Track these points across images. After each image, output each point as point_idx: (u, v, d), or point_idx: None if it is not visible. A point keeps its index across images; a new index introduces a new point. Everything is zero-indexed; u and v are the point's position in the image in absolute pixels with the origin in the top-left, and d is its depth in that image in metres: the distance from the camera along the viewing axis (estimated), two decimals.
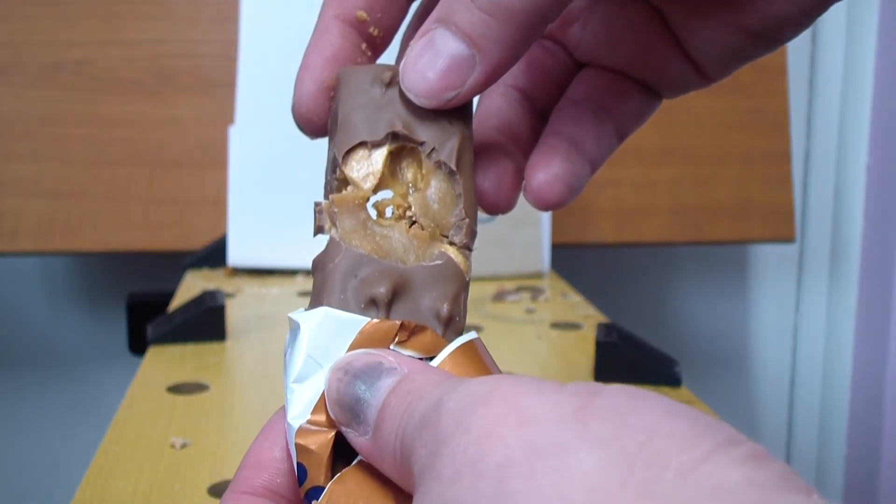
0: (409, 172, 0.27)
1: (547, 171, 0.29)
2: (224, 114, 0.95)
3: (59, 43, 0.96)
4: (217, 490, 0.45)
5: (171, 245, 0.95)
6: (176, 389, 0.58)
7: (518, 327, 0.72)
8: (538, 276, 0.88)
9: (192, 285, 0.83)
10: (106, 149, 0.95)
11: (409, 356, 0.24)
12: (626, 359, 0.59)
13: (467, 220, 0.27)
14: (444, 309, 0.25)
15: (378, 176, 0.27)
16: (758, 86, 1.05)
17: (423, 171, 0.27)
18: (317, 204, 0.27)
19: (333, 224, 0.26)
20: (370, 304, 0.25)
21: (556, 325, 0.73)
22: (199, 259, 0.89)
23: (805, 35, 1.21)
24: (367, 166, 0.27)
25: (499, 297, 0.80)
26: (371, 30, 0.29)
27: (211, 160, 0.95)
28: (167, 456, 0.48)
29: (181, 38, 0.97)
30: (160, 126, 0.96)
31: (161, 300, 0.84)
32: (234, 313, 0.74)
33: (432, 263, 0.26)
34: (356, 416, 0.22)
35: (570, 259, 1.01)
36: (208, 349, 0.66)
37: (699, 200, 1.04)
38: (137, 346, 0.94)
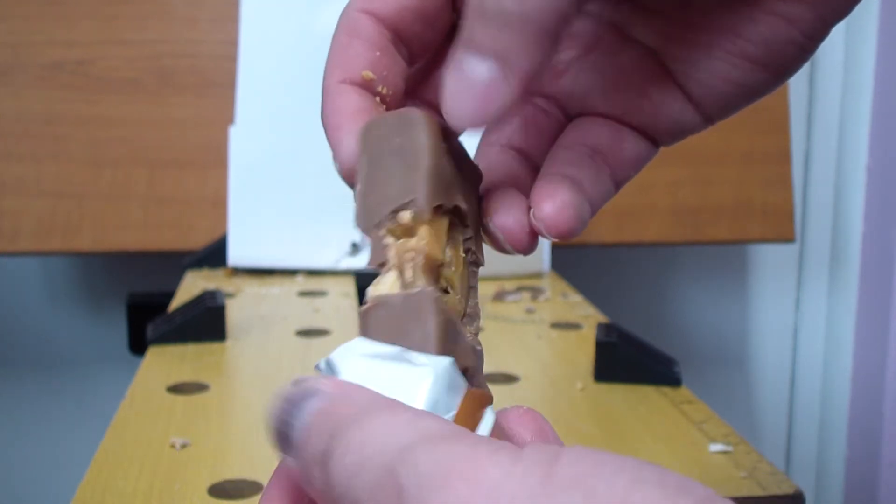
0: (449, 249, 0.27)
1: (553, 200, 0.28)
2: (224, 114, 0.95)
3: (59, 43, 0.96)
4: (217, 490, 0.45)
5: (171, 245, 0.95)
6: (176, 389, 0.58)
7: (518, 327, 0.72)
8: (538, 276, 0.88)
9: (192, 285, 0.83)
10: (106, 149, 0.95)
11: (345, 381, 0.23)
12: (626, 359, 0.59)
13: (479, 310, 0.27)
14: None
15: (444, 244, 0.27)
16: None
17: (457, 251, 0.27)
18: (382, 235, 0.26)
19: (401, 270, 0.26)
20: (463, 371, 0.24)
21: (556, 325, 0.73)
22: (199, 259, 0.89)
23: None
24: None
25: (499, 297, 0.80)
26: (380, 88, 0.29)
27: (211, 160, 0.95)
28: (167, 456, 0.48)
29: (181, 38, 0.97)
30: (160, 126, 0.96)
31: (161, 300, 0.84)
32: (234, 313, 0.74)
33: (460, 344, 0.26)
34: (285, 440, 0.22)
35: (570, 259, 1.01)
36: (208, 349, 0.66)
37: (699, 200, 1.04)
38: (137, 346, 0.94)
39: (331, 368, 0.24)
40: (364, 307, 0.25)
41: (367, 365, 0.24)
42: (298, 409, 0.22)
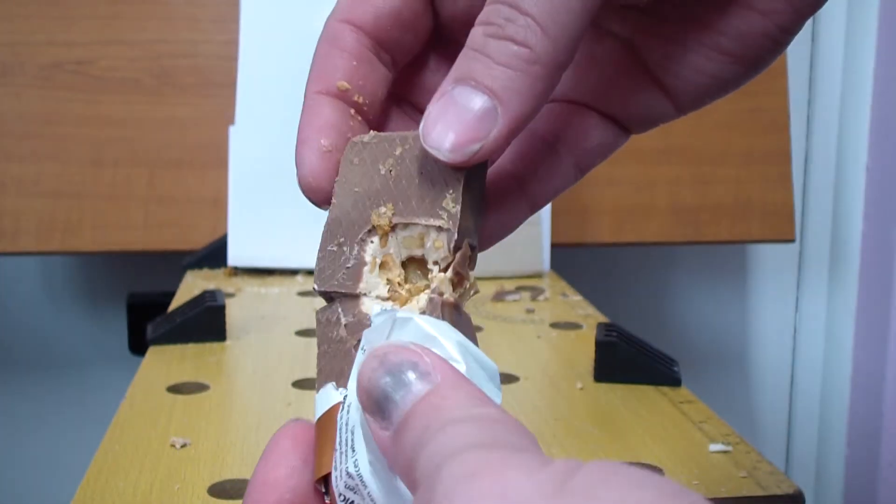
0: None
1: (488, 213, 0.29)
2: (224, 114, 0.95)
3: (59, 43, 0.96)
4: (217, 490, 0.45)
5: (171, 245, 0.95)
6: (176, 389, 0.58)
7: (518, 327, 0.72)
8: (538, 275, 0.88)
9: (192, 285, 0.83)
10: (106, 149, 0.95)
11: (445, 360, 0.23)
12: (626, 359, 0.59)
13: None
14: None
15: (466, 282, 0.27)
16: (758, 86, 1.05)
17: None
18: (435, 294, 0.26)
19: (443, 314, 0.26)
20: None
21: (556, 325, 0.73)
22: (199, 259, 0.89)
23: (805, 35, 1.21)
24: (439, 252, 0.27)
25: (499, 296, 0.80)
26: (356, 97, 0.29)
27: (211, 160, 0.95)
28: (167, 456, 0.48)
29: (181, 38, 0.97)
30: (160, 126, 0.96)
31: (161, 300, 0.84)
32: (234, 313, 0.74)
33: None
34: (382, 411, 0.22)
35: (569, 259, 1.01)
36: (208, 349, 0.66)
37: (699, 200, 1.04)
38: (137, 346, 0.94)
39: (388, 325, 0.24)
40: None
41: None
42: (403, 386, 0.22)
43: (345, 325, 0.27)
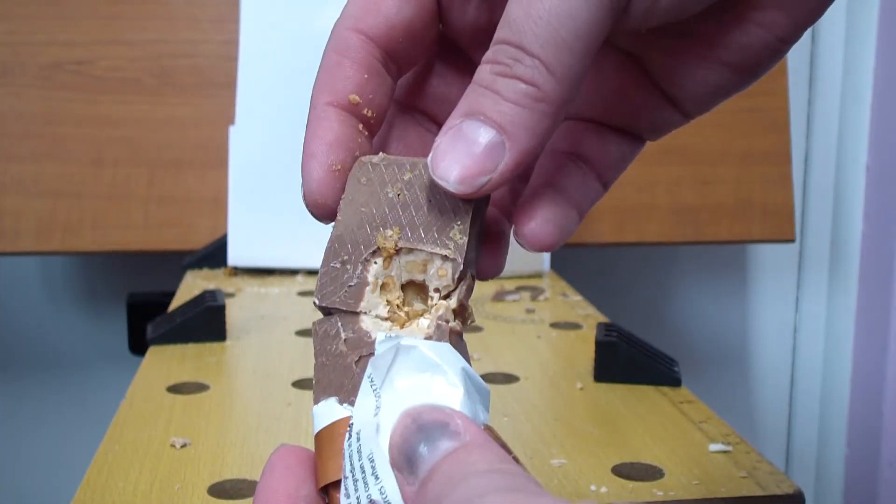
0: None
1: (536, 215, 0.29)
2: (224, 114, 0.95)
3: (59, 43, 0.96)
4: (217, 490, 0.45)
5: (171, 245, 0.95)
6: (176, 389, 0.58)
7: (518, 327, 0.72)
8: (538, 275, 0.88)
9: (192, 285, 0.83)
10: (106, 149, 0.95)
11: (473, 421, 0.24)
12: (626, 359, 0.59)
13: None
14: None
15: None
16: (758, 86, 1.04)
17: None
18: (445, 321, 0.27)
19: (448, 338, 0.27)
20: None
21: (555, 325, 0.73)
22: (199, 259, 0.89)
23: (805, 35, 1.20)
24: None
25: (499, 296, 0.80)
26: (365, 111, 0.29)
27: (211, 160, 0.95)
28: (167, 456, 0.48)
29: (181, 38, 0.97)
30: (160, 126, 0.96)
31: (161, 300, 0.84)
32: (234, 313, 0.74)
33: None
34: (410, 466, 0.23)
35: (570, 259, 1.01)
36: (208, 349, 0.66)
37: (699, 200, 1.04)
38: (137, 346, 0.94)
39: (392, 353, 0.25)
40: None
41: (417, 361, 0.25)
42: (432, 443, 0.23)
43: (344, 340, 0.27)
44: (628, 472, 0.47)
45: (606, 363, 0.60)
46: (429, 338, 0.26)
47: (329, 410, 0.26)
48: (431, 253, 0.27)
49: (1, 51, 0.95)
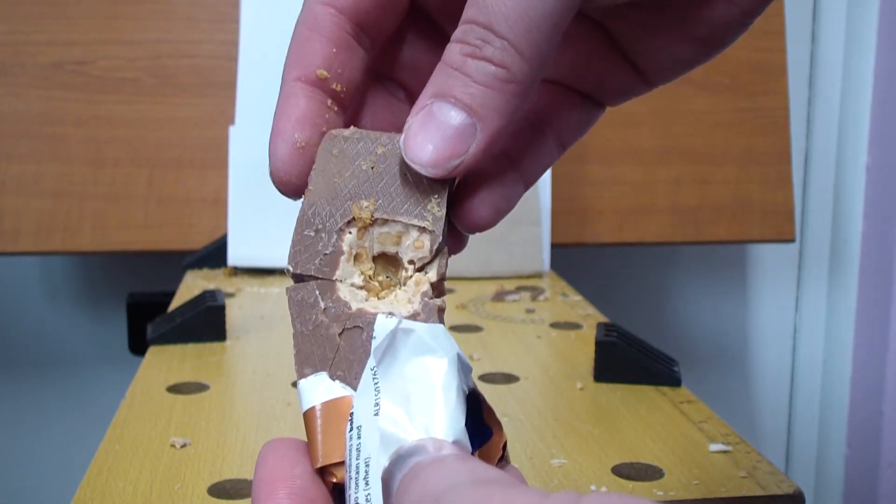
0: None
1: (476, 196, 0.29)
2: (224, 114, 0.95)
3: (59, 43, 0.96)
4: (217, 490, 0.45)
5: (171, 245, 0.95)
6: (176, 389, 0.58)
7: (518, 327, 0.72)
8: (538, 275, 0.88)
9: (192, 285, 0.83)
10: (106, 149, 0.95)
11: None
12: (626, 359, 0.59)
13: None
14: None
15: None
16: (758, 86, 1.05)
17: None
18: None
19: (437, 316, 0.27)
20: None
21: (555, 325, 0.73)
22: (199, 259, 0.89)
23: (805, 35, 1.21)
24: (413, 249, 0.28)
25: (499, 296, 0.80)
26: (334, 86, 0.29)
27: (211, 160, 0.95)
28: (167, 456, 0.48)
29: (181, 38, 0.97)
30: (160, 126, 0.96)
31: (161, 300, 0.84)
32: (234, 313, 0.74)
33: None
34: (386, 487, 0.24)
35: (570, 259, 1.01)
36: (208, 349, 0.66)
37: (699, 200, 1.04)
38: (137, 346, 0.94)
39: (392, 335, 0.26)
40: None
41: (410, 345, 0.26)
42: (403, 461, 0.24)
43: (324, 310, 0.28)
44: (628, 472, 0.47)
45: (606, 363, 0.60)
46: (415, 314, 0.27)
47: (320, 386, 0.27)
48: (408, 224, 0.27)
49: (1, 51, 0.95)
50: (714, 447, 0.50)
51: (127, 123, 0.96)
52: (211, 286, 0.82)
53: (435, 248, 0.27)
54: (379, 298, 0.27)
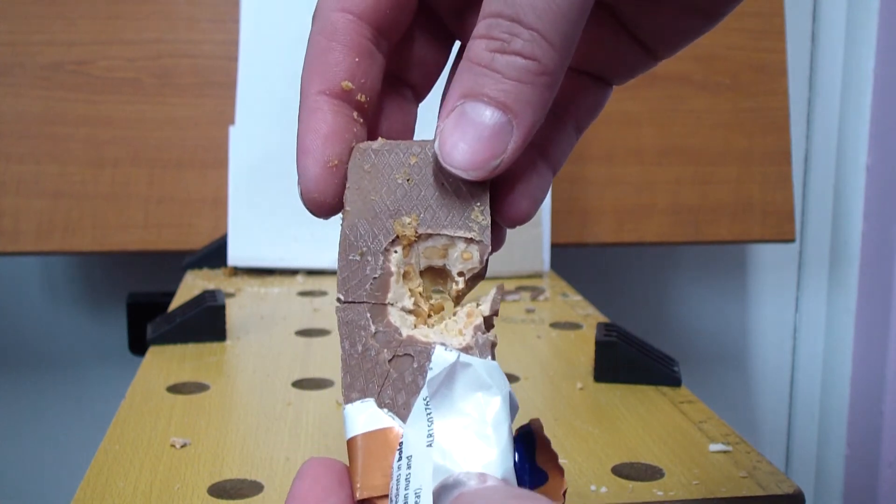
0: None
1: (514, 190, 0.29)
2: (224, 114, 0.95)
3: (59, 43, 0.96)
4: (217, 490, 0.45)
5: (171, 245, 0.95)
6: (176, 389, 0.58)
7: (518, 327, 0.72)
8: (538, 275, 0.88)
9: (192, 285, 0.83)
10: (106, 149, 0.95)
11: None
12: (626, 359, 0.59)
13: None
14: None
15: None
16: (758, 86, 1.05)
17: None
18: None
19: (490, 352, 0.27)
20: None
21: (556, 325, 0.73)
22: (199, 259, 0.89)
23: (805, 35, 1.21)
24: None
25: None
26: (359, 97, 0.28)
27: (211, 160, 0.95)
28: (167, 456, 0.48)
29: (181, 38, 0.97)
30: (160, 126, 0.96)
31: (161, 300, 0.84)
32: (234, 313, 0.74)
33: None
34: None
35: (570, 259, 1.01)
36: (208, 349, 0.66)
37: (699, 200, 1.04)
38: (137, 346, 0.94)
39: (449, 374, 0.26)
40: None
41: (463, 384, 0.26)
42: (448, 493, 0.23)
43: (374, 334, 0.27)
44: (628, 472, 0.47)
45: (606, 363, 0.60)
46: (467, 347, 0.26)
47: (366, 413, 0.26)
48: (454, 237, 0.27)
49: (1, 51, 0.95)
50: (714, 447, 0.50)
51: (127, 123, 0.96)
52: (211, 286, 0.82)
53: (485, 257, 0.27)
54: (428, 326, 0.27)
